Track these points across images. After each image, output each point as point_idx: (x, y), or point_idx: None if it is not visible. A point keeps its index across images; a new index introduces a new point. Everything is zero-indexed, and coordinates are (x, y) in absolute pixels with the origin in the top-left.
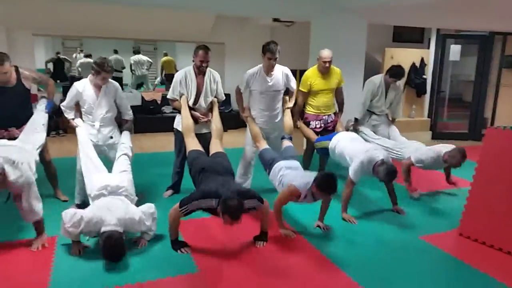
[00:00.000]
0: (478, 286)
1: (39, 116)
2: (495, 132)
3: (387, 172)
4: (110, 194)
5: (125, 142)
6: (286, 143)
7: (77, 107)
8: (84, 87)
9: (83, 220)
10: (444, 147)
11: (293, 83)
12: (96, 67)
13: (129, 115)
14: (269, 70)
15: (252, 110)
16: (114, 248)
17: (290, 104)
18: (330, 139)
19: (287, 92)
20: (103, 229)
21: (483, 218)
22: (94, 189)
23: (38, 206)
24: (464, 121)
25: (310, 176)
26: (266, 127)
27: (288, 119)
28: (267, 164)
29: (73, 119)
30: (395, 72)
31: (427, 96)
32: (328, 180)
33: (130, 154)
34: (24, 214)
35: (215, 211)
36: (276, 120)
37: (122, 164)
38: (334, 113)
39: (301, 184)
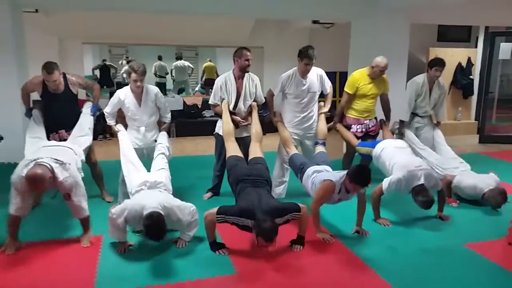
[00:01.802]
0: None
1: (86, 120)
2: None
3: (424, 203)
4: (149, 189)
5: (162, 142)
6: (320, 148)
7: (120, 113)
8: (125, 95)
9: (126, 208)
10: (486, 182)
11: (328, 86)
12: (129, 69)
13: (167, 118)
14: (304, 73)
15: (285, 114)
16: (154, 225)
17: (325, 109)
18: (374, 146)
19: (321, 95)
20: (144, 213)
21: None
22: (134, 186)
23: (86, 203)
24: None
25: (342, 172)
26: (300, 130)
27: (322, 124)
28: (298, 169)
29: (114, 124)
30: (434, 60)
31: (474, 98)
32: (361, 172)
33: (167, 153)
34: (74, 211)
35: (250, 229)
36: (310, 123)
37: (160, 162)
38: (379, 121)
39: (334, 178)
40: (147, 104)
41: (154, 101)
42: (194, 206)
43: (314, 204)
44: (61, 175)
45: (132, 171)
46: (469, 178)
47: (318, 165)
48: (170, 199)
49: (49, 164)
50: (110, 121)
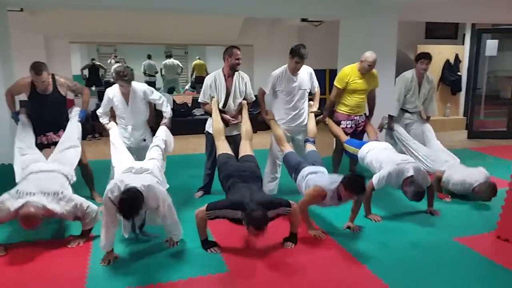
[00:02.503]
0: None
1: (73, 127)
2: None
3: (415, 194)
4: (135, 174)
5: (158, 135)
6: (310, 147)
7: (112, 111)
8: (114, 94)
9: (109, 190)
10: (476, 176)
11: (316, 85)
12: (115, 75)
13: (166, 112)
14: (294, 71)
15: (276, 111)
16: (129, 198)
17: (315, 108)
18: (360, 147)
19: (310, 94)
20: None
21: None
22: (120, 172)
23: (93, 216)
24: (502, 119)
25: (336, 178)
26: (291, 127)
27: (311, 123)
28: (293, 168)
29: (107, 123)
30: (420, 54)
31: (462, 94)
32: (355, 180)
33: (163, 146)
34: (84, 224)
35: (240, 222)
36: (301, 120)
37: (153, 153)
38: (365, 114)
39: (326, 184)
40: (135, 103)
41: (143, 99)
42: (170, 199)
43: (301, 205)
44: (58, 207)
45: (121, 160)
46: (458, 173)
47: (313, 165)
48: (154, 182)
49: (41, 203)
50: (103, 120)
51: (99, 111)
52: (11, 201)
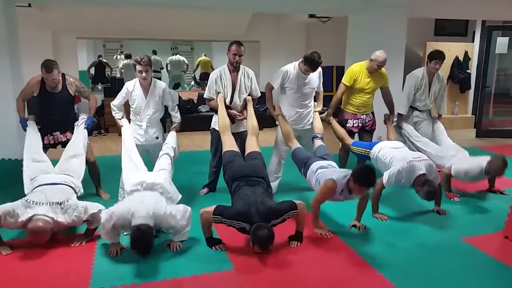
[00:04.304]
0: None
1: (80, 136)
2: None
3: (428, 193)
4: (145, 190)
5: (168, 142)
6: (318, 142)
7: (125, 107)
8: (134, 87)
9: (114, 214)
10: (485, 159)
11: (321, 83)
12: (134, 62)
13: (176, 117)
14: (305, 73)
15: (284, 108)
16: (140, 239)
17: (319, 108)
18: (371, 148)
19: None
20: (133, 222)
21: None
22: (130, 184)
23: (99, 217)
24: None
25: (347, 172)
26: (298, 125)
27: (317, 121)
28: (302, 163)
29: (120, 118)
30: (434, 53)
31: (471, 92)
32: (366, 173)
33: (172, 154)
34: (89, 224)
35: (247, 232)
36: (308, 118)
37: (162, 163)
38: (372, 113)
39: (338, 178)
40: (153, 98)
41: (161, 96)
42: (188, 209)
43: (315, 202)
44: (67, 218)
45: (131, 169)
46: (466, 163)
47: (323, 159)
48: (163, 205)
49: (48, 216)
50: (116, 114)
51: (113, 103)
52: (21, 210)
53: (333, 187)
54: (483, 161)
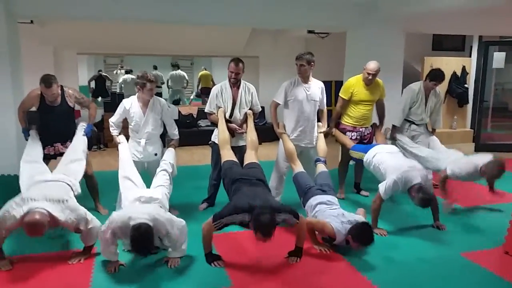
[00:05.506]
0: None
1: (79, 142)
2: None
3: (422, 200)
4: (144, 203)
5: (166, 159)
6: (321, 167)
7: (124, 123)
8: (131, 104)
9: (113, 219)
10: (482, 159)
11: (325, 102)
12: (140, 80)
13: (174, 134)
14: (305, 78)
15: (288, 122)
16: (142, 236)
17: (323, 128)
18: (366, 151)
19: (318, 112)
20: (131, 223)
21: None
22: (129, 199)
23: (95, 231)
24: (510, 131)
25: (346, 216)
26: (301, 142)
27: (321, 143)
28: (302, 191)
29: (117, 135)
30: (435, 74)
31: (469, 106)
32: (363, 232)
33: (170, 170)
34: (83, 239)
35: (248, 225)
36: (311, 136)
37: (160, 179)
38: (372, 126)
39: (338, 232)
40: (152, 115)
41: (160, 112)
42: (184, 222)
43: (310, 225)
44: (62, 215)
45: (128, 188)
46: (462, 163)
47: (322, 190)
48: (161, 211)
49: (45, 209)
50: (114, 131)
51: (111, 120)
52: (16, 209)
53: (330, 233)
54: (479, 161)
